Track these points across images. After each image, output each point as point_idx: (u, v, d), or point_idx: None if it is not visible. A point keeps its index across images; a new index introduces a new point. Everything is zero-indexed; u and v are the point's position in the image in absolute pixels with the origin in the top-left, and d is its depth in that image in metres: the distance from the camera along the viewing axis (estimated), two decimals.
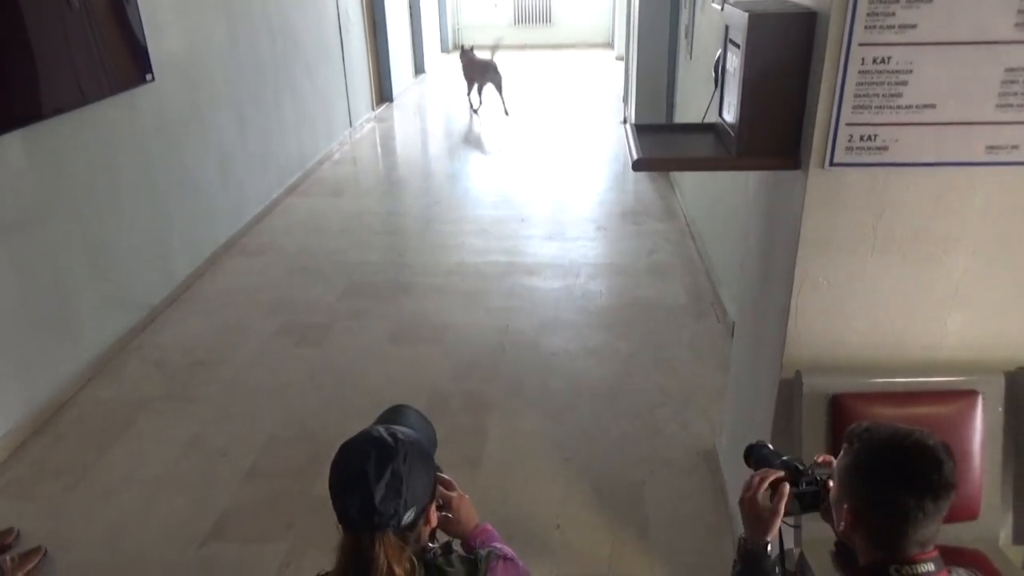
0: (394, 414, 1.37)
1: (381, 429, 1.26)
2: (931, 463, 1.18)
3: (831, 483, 1.38)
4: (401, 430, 1.28)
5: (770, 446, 1.62)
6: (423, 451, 1.27)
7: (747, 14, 1.85)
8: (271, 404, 3.51)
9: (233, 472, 3.05)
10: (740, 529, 2.52)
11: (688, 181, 5.59)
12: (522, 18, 15.02)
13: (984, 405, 1.94)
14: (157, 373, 3.78)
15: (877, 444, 1.24)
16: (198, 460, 3.14)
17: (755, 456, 1.61)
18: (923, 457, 1.19)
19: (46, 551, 2.66)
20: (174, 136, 4.55)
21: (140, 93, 4.15)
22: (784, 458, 1.52)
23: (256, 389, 3.63)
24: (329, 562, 1.26)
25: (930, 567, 1.19)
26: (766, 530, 1.44)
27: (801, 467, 1.46)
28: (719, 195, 4.39)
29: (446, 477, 1.45)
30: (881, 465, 1.22)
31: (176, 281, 4.54)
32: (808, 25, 1.80)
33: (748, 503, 1.48)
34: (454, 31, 14.94)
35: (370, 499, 1.17)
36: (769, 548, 1.46)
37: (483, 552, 1.32)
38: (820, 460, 1.49)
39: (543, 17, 14.98)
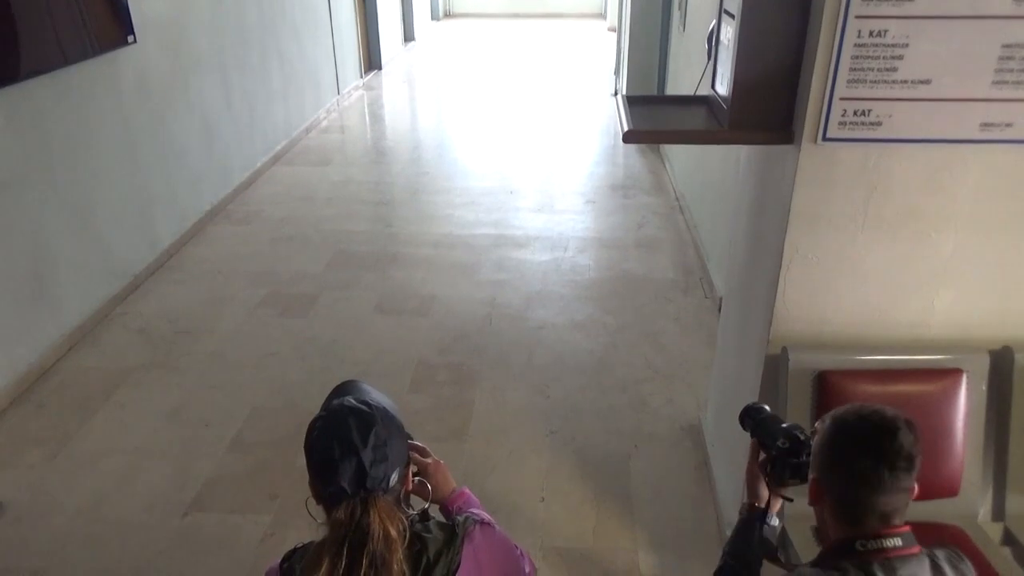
0: (349, 387, 1.36)
1: (350, 400, 1.26)
2: (886, 430, 1.22)
3: None
4: (369, 397, 1.30)
5: (767, 408, 1.60)
6: (393, 415, 1.29)
7: None
8: (255, 374, 3.48)
9: (216, 442, 3.03)
10: (723, 502, 2.54)
11: (679, 155, 5.56)
12: None
13: (968, 383, 1.95)
14: (140, 341, 3.75)
15: (841, 415, 1.28)
16: (181, 430, 3.12)
17: (752, 419, 1.59)
18: (880, 425, 1.23)
19: (0, 502, 2.67)
20: (157, 100, 4.45)
21: (122, 55, 4.05)
22: (785, 425, 1.50)
23: (240, 359, 3.60)
24: (311, 535, 1.25)
25: (897, 542, 1.21)
26: (753, 495, 1.51)
27: (803, 437, 1.44)
28: (710, 170, 4.36)
29: (420, 444, 1.48)
30: (841, 433, 1.27)
31: (160, 248, 4.48)
32: None
33: (748, 469, 1.54)
34: None
35: (362, 465, 1.18)
36: (770, 519, 1.48)
37: (460, 518, 1.32)
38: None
39: None
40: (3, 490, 2.77)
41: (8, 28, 3.24)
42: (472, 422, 3.15)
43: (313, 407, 1.32)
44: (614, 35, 9.40)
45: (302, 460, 1.25)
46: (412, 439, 1.39)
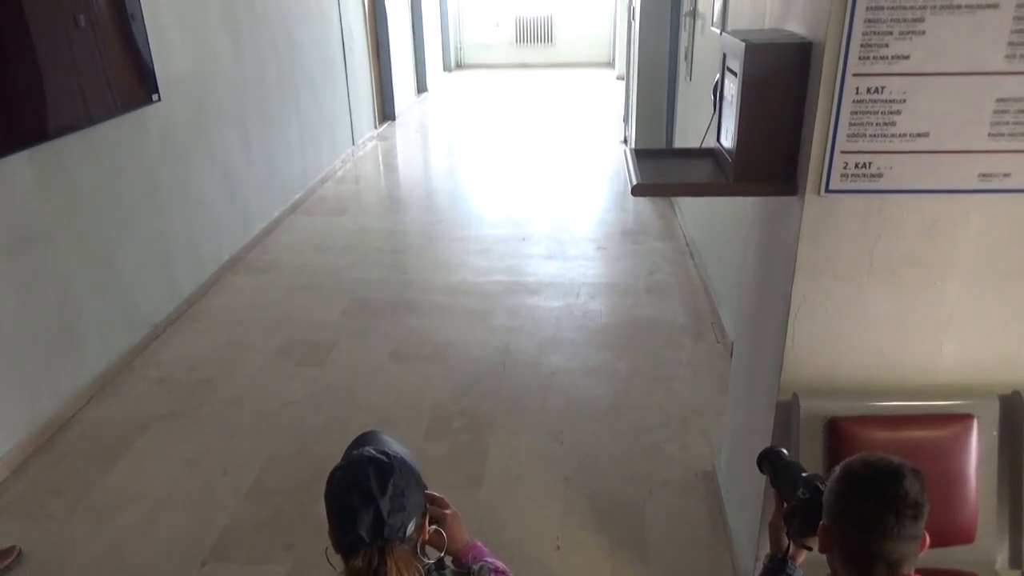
0: (369, 438, 1.40)
1: (369, 450, 1.30)
2: (891, 477, 1.24)
3: None
4: (388, 447, 1.33)
5: (786, 453, 1.62)
6: (411, 464, 1.32)
7: (744, 43, 1.89)
8: (272, 422, 3.52)
9: (234, 491, 3.07)
10: (738, 550, 2.54)
11: (688, 201, 5.63)
12: (523, 37, 15.16)
13: (979, 429, 1.96)
14: (160, 391, 3.81)
15: (849, 463, 1.32)
16: (199, 479, 3.16)
17: (772, 465, 1.60)
18: (885, 472, 1.26)
19: (20, 551, 2.71)
20: (180, 154, 4.59)
21: (147, 113, 4.20)
22: (805, 474, 1.51)
23: (258, 407, 3.65)
24: None
25: None
26: (776, 546, 1.54)
27: (823, 487, 1.42)
28: (719, 215, 4.42)
29: (437, 495, 1.50)
30: (848, 480, 1.30)
31: (180, 298, 4.57)
32: (803, 55, 1.84)
33: (771, 521, 1.57)
34: (456, 50, 15.08)
35: (379, 514, 1.22)
36: (792, 570, 1.50)
37: (476, 566, 1.35)
38: None
39: (544, 36, 15.12)
40: (24, 540, 2.80)
41: (38, 89, 3.39)
42: (487, 469, 3.17)
43: (329, 454, 1.36)
44: (622, 83, 9.59)
45: (318, 509, 1.28)
46: (428, 489, 1.42)
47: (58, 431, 3.46)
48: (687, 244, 5.49)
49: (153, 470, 3.22)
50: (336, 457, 1.34)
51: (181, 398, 3.74)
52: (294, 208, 6.49)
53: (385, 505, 1.22)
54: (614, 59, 13.62)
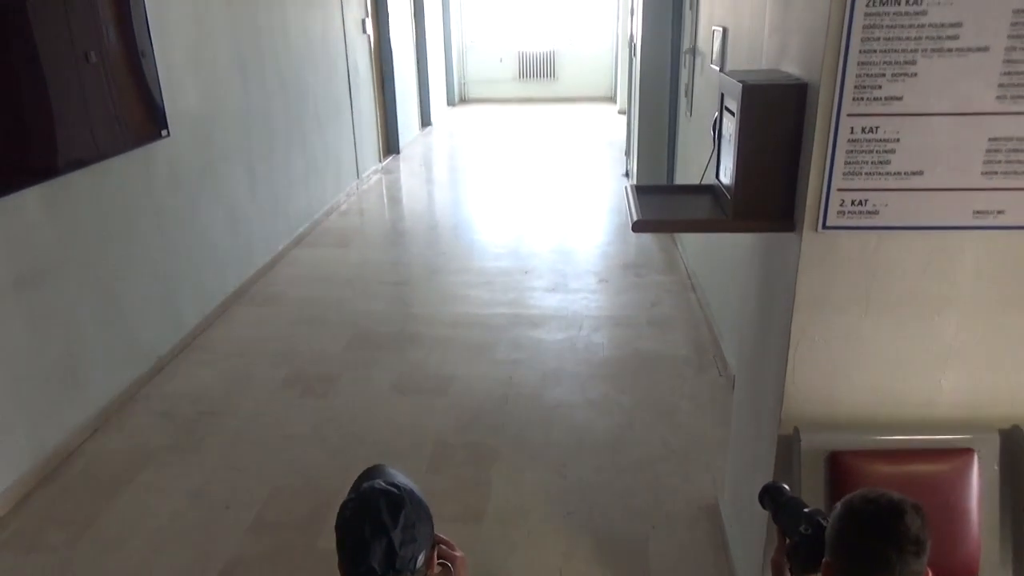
0: (376, 472, 1.42)
1: (380, 482, 1.32)
2: (892, 513, 1.25)
3: None
4: (397, 480, 1.35)
5: (787, 489, 1.63)
6: (420, 497, 1.34)
7: (741, 84, 1.94)
8: (275, 455, 3.53)
9: (237, 524, 3.06)
10: None
11: (689, 234, 5.67)
12: (527, 72, 15.36)
13: (980, 463, 1.97)
14: (163, 423, 3.82)
15: (850, 499, 1.32)
16: (202, 512, 3.16)
17: (774, 500, 1.60)
18: (886, 507, 1.26)
19: None
20: (187, 189, 4.66)
21: (155, 148, 4.27)
22: (807, 510, 1.51)
23: (261, 440, 3.66)
24: None
25: None
26: None
27: (825, 523, 1.43)
28: (720, 249, 4.46)
29: (446, 538, 1.49)
30: (849, 516, 1.31)
31: (185, 330, 4.60)
32: (799, 96, 1.89)
33: (773, 558, 1.58)
34: (460, 85, 15.28)
35: (392, 545, 1.23)
36: None
37: None
38: None
39: (547, 71, 15.32)
40: (26, 573, 2.80)
41: (49, 125, 3.45)
42: (490, 503, 3.16)
43: (332, 487, 1.38)
44: (624, 117, 9.71)
45: (322, 542, 1.31)
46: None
47: (62, 463, 3.47)
48: (689, 277, 5.52)
49: (156, 503, 3.22)
50: (339, 490, 1.36)
51: (184, 431, 3.75)
52: (298, 241, 6.54)
53: (397, 537, 1.24)
54: (616, 94, 13.80)
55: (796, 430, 2.05)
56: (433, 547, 1.36)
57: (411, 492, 1.32)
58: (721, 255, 4.43)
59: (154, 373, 4.25)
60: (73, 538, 3.01)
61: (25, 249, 3.33)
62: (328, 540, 1.29)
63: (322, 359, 4.46)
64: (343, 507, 1.30)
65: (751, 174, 1.98)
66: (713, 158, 2.30)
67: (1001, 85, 1.74)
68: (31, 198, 3.35)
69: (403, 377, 4.23)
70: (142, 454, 3.54)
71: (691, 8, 5.49)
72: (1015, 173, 1.82)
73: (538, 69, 15.33)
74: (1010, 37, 1.70)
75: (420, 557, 1.27)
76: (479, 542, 2.91)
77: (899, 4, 1.70)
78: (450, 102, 14.55)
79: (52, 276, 3.48)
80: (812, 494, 1.99)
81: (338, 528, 1.29)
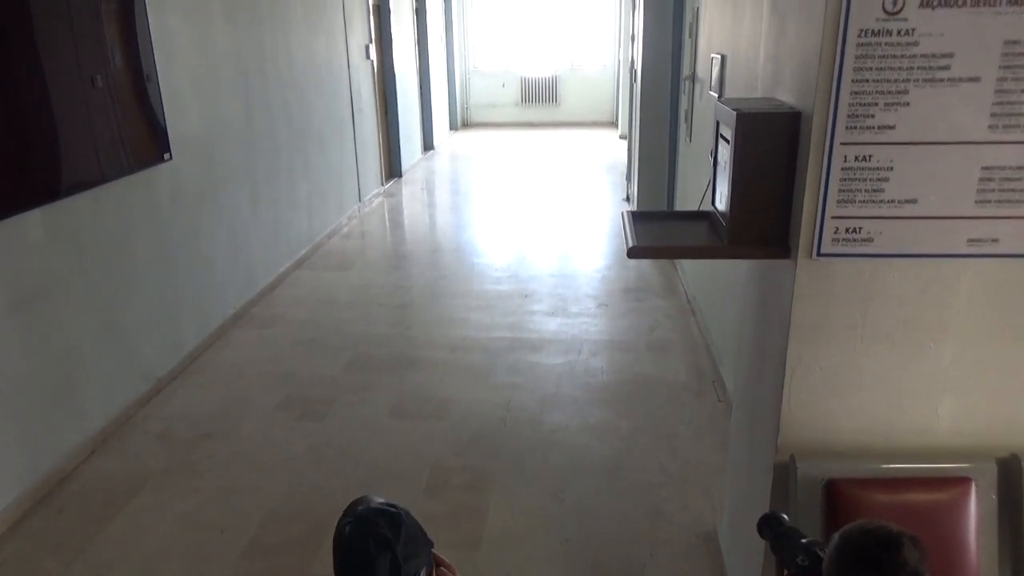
0: (364, 500, 1.42)
1: (375, 502, 1.33)
2: (889, 545, 1.25)
3: None
4: (390, 501, 1.36)
5: (786, 518, 1.62)
6: (415, 519, 1.36)
7: (735, 112, 1.95)
8: (272, 478, 3.51)
9: (232, 548, 3.04)
10: None
11: (689, 259, 5.68)
12: (529, 97, 15.49)
13: (978, 492, 1.96)
14: (160, 446, 3.81)
15: (847, 530, 1.32)
16: (197, 535, 3.14)
17: (772, 530, 1.60)
18: (883, 539, 1.26)
19: None
20: (189, 212, 4.69)
21: (158, 171, 4.30)
22: (805, 540, 1.51)
23: (257, 462, 3.64)
24: None
25: None
26: None
27: (823, 554, 1.42)
28: (720, 273, 4.47)
29: (447, 560, 1.49)
30: (846, 548, 1.30)
31: (184, 352, 4.60)
32: (793, 124, 1.91)
33: None
34: (463, 109, 15.41)
35: (396, 559, 1.25)
36: None
37: None
38: None
39: (549, 96, 15.44)
40: None
41: (55, 148, 3.49)
42: (487, 528, 3.14)
43: (328, 511, 1.38)
44: (624, 142, 9.77)
45: (317, 566, 1.30)
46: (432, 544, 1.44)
47: (58, 485, 3.46)
48: (688, 301, 5.52)
49: (151, 526, 3.20)
50: (335, 513, 1.35)
51: (181, 453, 3.73)
52: (300, 263, 6.56)
53: (401, 551, 1.26)
54: (617, 119, 13.89)
55: (792, 458, 2.04)
56: (431, 565, 1.37)
57: (407, 511, 1.34)
58: (721, 280, 4.43)
59: (152, 394, 4.24)
60: (68, 561, 2.99)
61: (25, 270, 3.35)
62: (323, 565, 1.29)
63: (321, 382, 4.45)
64: (340, 528, 1.30)
65: (746, 201, 1.99)
66: (709, 186, 2.32)
67: (993, 115, 1.75)
68: (33, 219, 3.37)
69: (402, 400, 4.22)
70: (139, 476, 3.53)
71: (690, 35, 5.56)
72: (1008, 202, 1.82)
73: (540, 94, 15.46)
74: (1001, 67, 1.72)
75: (422, 572, 1.29)
76: (475, 568, 2.88)
77: (891, 35, 1.72)
78: (453, 126, 14.66)
79: (52, 297, 3.49)
80: (809, 521, 1.98)
81: (338, 548, 1.28)
